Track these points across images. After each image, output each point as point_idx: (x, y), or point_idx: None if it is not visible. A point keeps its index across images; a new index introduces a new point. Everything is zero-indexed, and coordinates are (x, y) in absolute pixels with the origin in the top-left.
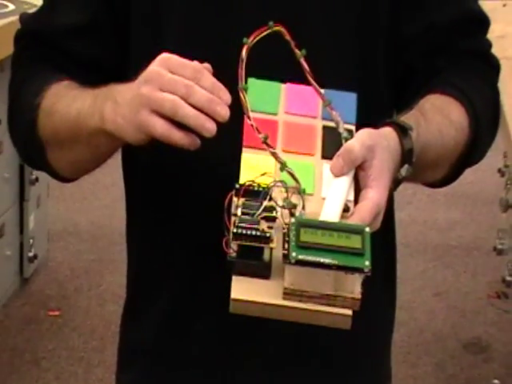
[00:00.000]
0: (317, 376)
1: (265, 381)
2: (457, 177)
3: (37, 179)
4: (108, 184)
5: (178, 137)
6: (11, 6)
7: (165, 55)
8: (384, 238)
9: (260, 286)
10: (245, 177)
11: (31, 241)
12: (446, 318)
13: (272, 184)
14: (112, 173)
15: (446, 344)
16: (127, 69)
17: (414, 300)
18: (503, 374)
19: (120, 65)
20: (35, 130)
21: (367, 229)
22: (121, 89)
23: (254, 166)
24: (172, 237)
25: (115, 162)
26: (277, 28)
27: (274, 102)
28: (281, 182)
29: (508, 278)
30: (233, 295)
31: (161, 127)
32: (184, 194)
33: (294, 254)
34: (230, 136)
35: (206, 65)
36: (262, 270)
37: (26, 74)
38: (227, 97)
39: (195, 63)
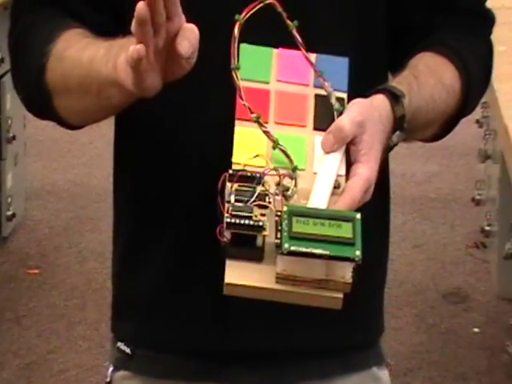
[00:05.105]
0: (314, 329)
1: (264, 334)
2: (446, 134)
3: (14, 137)
4: (85, 142)
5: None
6: None
7: None
8: (380, 189)
9: (253, 270)
10: (238, 154)
11: (9, 199)
12: (425, 269)
13: (266, 171)
14: (89, 131)
15: (426, 295)
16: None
17: (394, 252)
18: (483, 323)
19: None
20: (44, 76)
21: (358, 215)
22: None
23: (246, 142)
24: (172, 187)
25: None
26: (269, 1)
27: (266, 68)
28: (274, 169)
29: (487, 228)
30: (226, 280)
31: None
32: (182, 151)
33: (286, 246)
34: (223, 108)
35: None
36: (255, 255)
37: (33, 19)
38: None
39: None
